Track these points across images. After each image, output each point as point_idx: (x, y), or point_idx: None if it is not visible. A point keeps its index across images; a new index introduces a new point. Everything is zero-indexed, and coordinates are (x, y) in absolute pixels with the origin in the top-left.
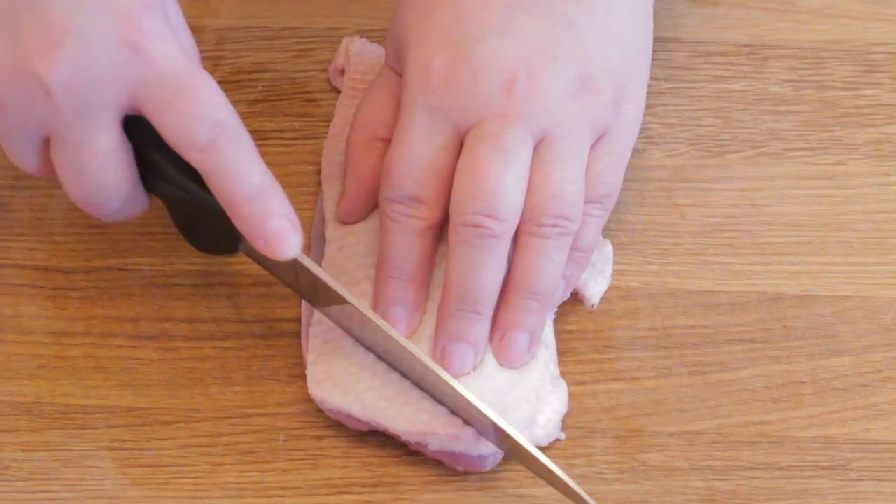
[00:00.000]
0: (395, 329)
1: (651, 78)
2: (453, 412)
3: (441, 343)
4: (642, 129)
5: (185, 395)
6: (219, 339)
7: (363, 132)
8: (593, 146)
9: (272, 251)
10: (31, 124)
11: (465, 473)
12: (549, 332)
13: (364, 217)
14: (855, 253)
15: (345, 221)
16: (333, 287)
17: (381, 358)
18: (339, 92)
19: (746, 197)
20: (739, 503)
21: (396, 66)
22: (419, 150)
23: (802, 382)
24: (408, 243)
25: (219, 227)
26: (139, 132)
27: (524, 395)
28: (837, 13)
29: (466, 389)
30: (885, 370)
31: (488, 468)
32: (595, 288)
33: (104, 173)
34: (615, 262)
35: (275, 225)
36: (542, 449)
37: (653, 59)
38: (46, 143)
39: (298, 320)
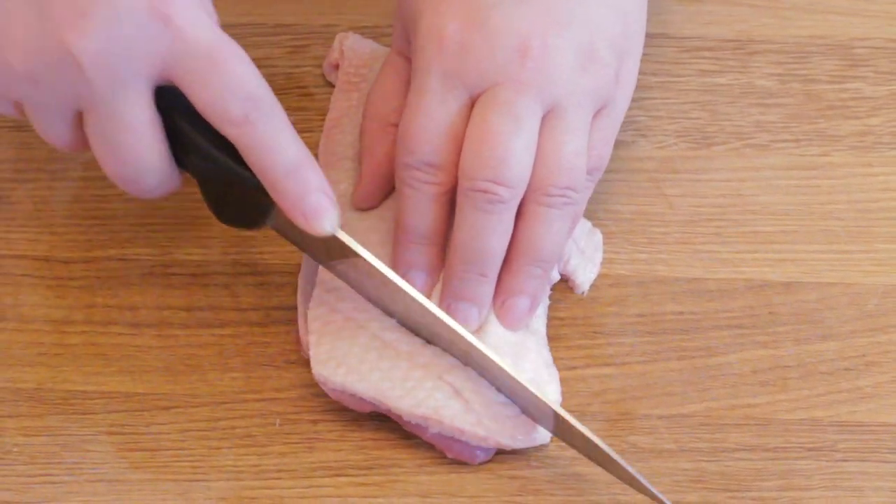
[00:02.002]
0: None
1: (639, 73)
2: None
3: (447, 301)
4: (631, 122)
5: (184, 381)
6: (216, 326)
7: (376, 119)
8: (592, 118)
9: (311, 226)
10: (63, 97)
11: (458, 462)
12: (537, 322)
13: (379, 202)
14: (839, 241)
15: (361, 207)
16: (372, 263)
17: (401, 322)
18: (333, 86)
19: (733, 187)
20: (727, 484)
21: (405, 49)
22: (435, 116)
23: (788, 367)
24: (426, 209)
25: (249, 200)
26: (168, 104)
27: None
28: (821, 9)
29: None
30: (868, 354)
31: (477, 462)
32: (585, 275)
33: (140, 147)
34: (605, 251)
35: (314, 200)
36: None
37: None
38: (79, 118)
39: (294, 308)
